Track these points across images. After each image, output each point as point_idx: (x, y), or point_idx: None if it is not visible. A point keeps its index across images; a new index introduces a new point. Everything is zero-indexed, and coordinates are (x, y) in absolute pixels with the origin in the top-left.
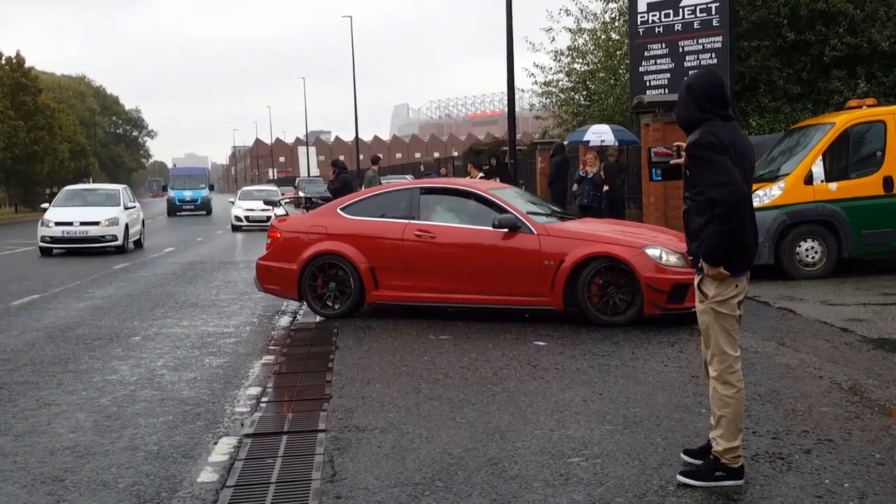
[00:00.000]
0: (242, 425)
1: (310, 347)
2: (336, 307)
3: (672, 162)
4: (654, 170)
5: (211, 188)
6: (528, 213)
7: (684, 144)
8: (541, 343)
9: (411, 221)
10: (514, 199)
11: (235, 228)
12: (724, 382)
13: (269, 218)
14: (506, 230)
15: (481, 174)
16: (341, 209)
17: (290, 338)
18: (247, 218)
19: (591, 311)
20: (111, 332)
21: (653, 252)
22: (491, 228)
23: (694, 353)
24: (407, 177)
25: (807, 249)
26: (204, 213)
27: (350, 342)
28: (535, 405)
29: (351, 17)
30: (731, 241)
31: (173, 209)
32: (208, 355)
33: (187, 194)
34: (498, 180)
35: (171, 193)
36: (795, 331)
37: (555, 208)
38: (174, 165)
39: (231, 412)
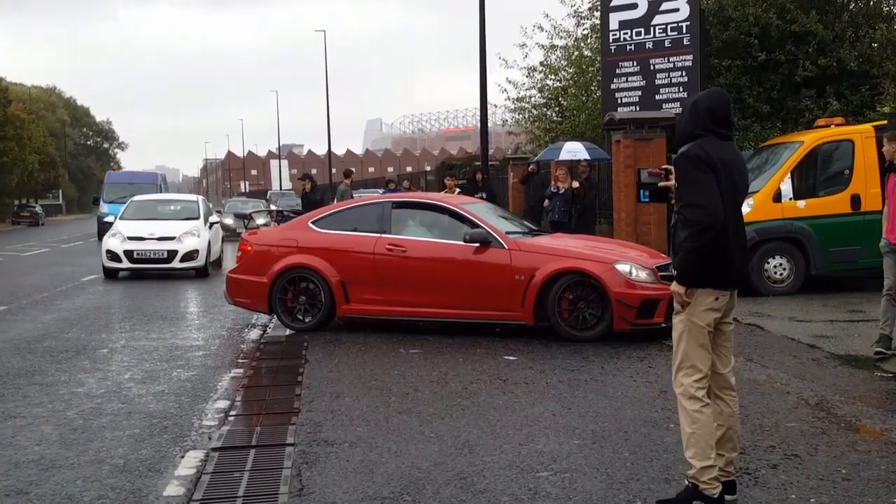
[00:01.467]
0: (210, 439)
1: (279, 361)
2: (306, 321)
3: (660, 185)
4: (642, 191)
5: None
6: (500, 228)
7: (672, 168)
8: (511, 357)
9: (382, 235)
10: (485, 213)
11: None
12: (690, 397)
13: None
14: (477, 245)
15: (458, 189)
16: (312, 223)
17: (259, 351)
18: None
19: (561, 325)
20: (78, 344)
21: (623, 268)
22: (462, 243)
23: (663, 369)
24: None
25: (775, 266)
26: None
27: (320, 356)
28: (505, 419)
29: (324, 31)
30: (703, 262)
31: (106, 231)
32: (176, 368)
33: None
34: (484, 196)
35: (104, 209)
36: (763, 347)
37: (527, 223)
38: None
39: (199, 425)
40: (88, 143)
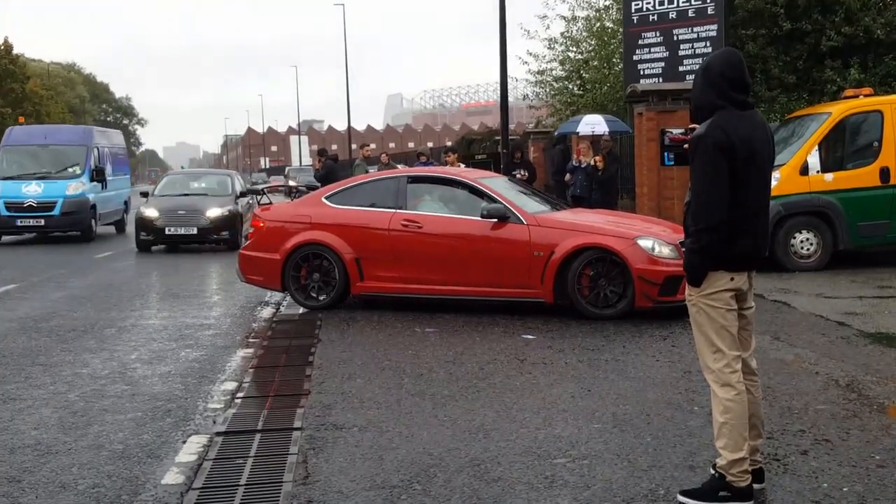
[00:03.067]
0: (214, 423)
1: (291, 340)
2: (320, 298)
3: (686, 147)
4: (666, 154)
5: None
6: (518, 202)
7: (698, 127)
8: (529, 336)
9: (398, 211)
10: (504, 188)
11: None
12: (723, 384)
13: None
14: (495, 220)
15: (461, 165)
16: (326, 198)
17: (271, 330)
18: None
19: (581, 303)
20: (86, 323)
21: (645, 243)
22: (479, 219)
23: (686, 348)
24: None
25: (801, 241)
26: (73, 231)
27: (333, 335)
28: (522, 402)
29: (343, 4)
30: (707, 260)
31: None
32: (185, 348)
33: (31, 190)
34: (525, 174)
35: None
36: (790, 324)
37: (549, 197)
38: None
39: (203, 409)
40: (108, 119)
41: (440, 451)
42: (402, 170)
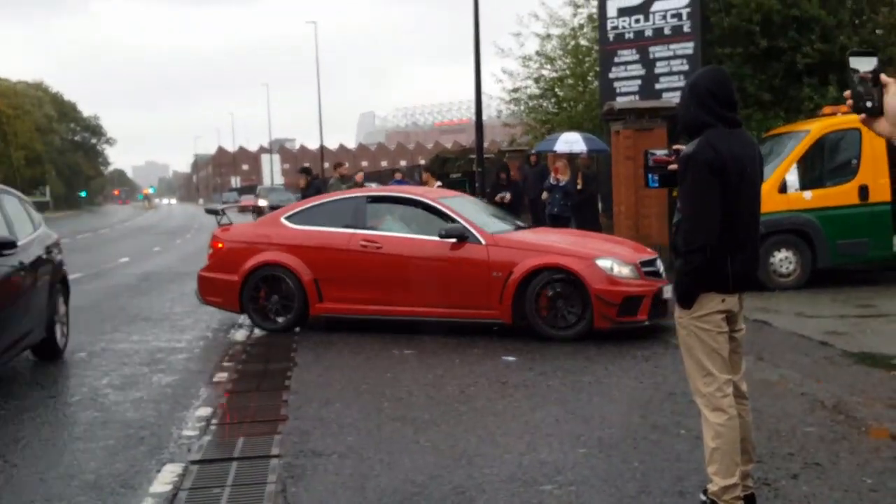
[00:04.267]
0: (189, 450)
1: (266, 364)
2: (279, 320)
3: (671, 168)
4: (650, 175)
5: None
6: (478, 222)
7: (683, 149)
8: (510, 358)
9: (357, 231)
10: (464, 208)
11: None
12: (714, 409)
13: None
14: (454, 240)
15: (438, 183)
16: (286, 218)
17: (245, 353)
18: None
19: (539, 324)
20: None
21: (604, 263)
22: (438, 239)
23: (670, 369)
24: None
25: (781, 260)
26: None
27: (309, 358)
28: (505, 426)
29: (315, 22)
30: (699, 281)
31: None
32: (157, 373)
33: None
34: (508, 197)
35: None
36: (773, 345)
37: (513, 219)
38: None
39: (178, 436)
40: (76, 138)
41: (423, 479)
42: (362, 189)
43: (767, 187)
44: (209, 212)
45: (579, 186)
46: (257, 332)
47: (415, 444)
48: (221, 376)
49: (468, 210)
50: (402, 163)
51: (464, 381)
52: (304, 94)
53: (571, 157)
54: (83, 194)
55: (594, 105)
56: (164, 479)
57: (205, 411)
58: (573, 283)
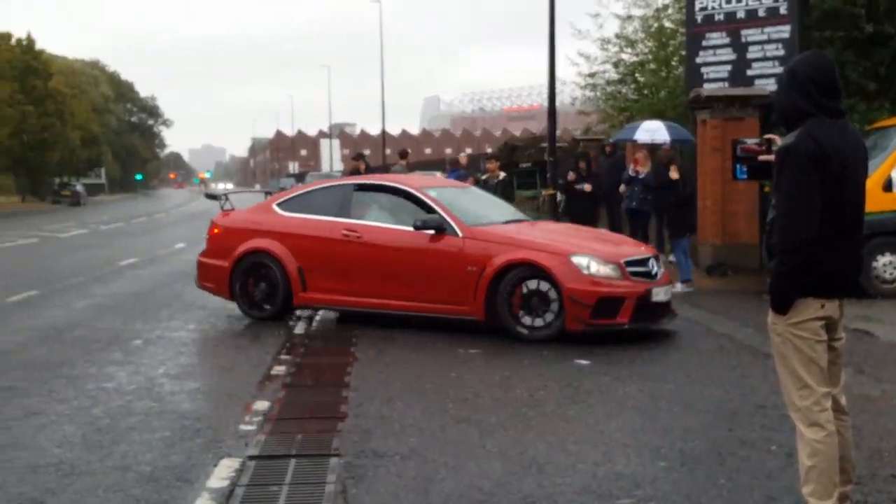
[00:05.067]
0: (247, 445)
1: (325, 358)
2: (266, 308)
3: (761, 158)
4: (739, 166)
5: None
6: (460, 213)
7: (776, 138)
8: (583, 362)
9: (340, 220)
10: (450, 198)
11: None
12: (811, 424)
13: None
14: (431, 232)
15: (438, 174)
16: (277, 205)
17: (304, 346)
18: None
19: (510, 322)
20: (111, 334)
21: (579, 260)
22: (416, 230)
23: (759, 379)
24: (436, 173)
25: (884, 264)
26: None
27: (370, 354)
28: (577, 434)
29: (380, 1)
30: (796, 284)
31: None
32: (214, 363)
33: None
34: (588, 187)
35: None
36: (875, 357)
37: (515, 211)
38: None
39: (235, 430)
40: (132, 119)
41: (490, 486)
42: (351, 177)
43: (871, 185)
44: (209, 197)
45: (675, 178)
46: (316, 325)
47: (481, 448)
48: (279, 369)
49: (454, 200)
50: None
51: (533, 383)
52: (367, 77)
53: (652, 148)
54: (139, 177)
55: (678, 92)
56: (221, 473)
57: (262, 405)
58: (547, 280)
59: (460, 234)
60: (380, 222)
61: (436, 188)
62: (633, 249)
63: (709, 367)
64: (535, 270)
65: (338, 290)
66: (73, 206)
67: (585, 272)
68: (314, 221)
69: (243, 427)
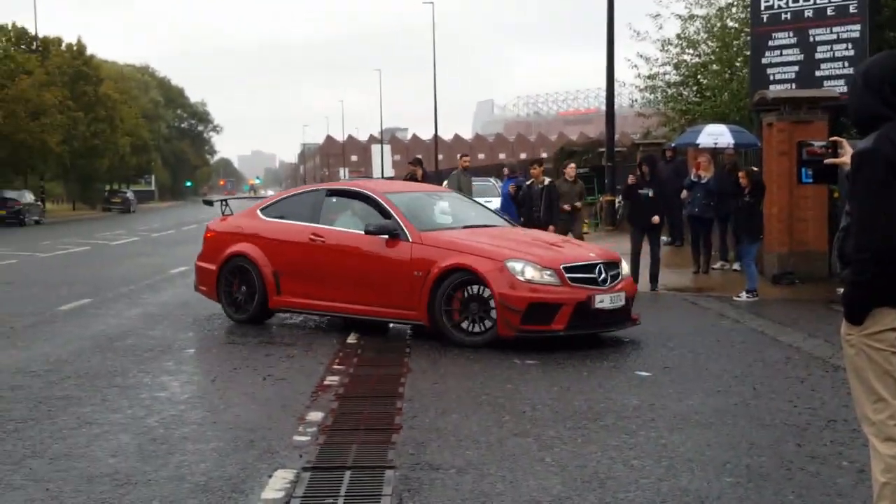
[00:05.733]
0: (301, 456)
1: (379, 369)
2: (248, 309)
3: (827, 161)
4: (804, 169)
5: None
6: (415, 219)
7: (843, 141)
8: (644, 373)
9: (308, 224)
10: (414, 204)
11: None
12: (885, 439)
13: None
14: (386, 237)
15: (548, 179)
16: (260, 210)
17: (357, 357)
18: None
19: (447, 327)
20: (164, 342)
21: (513, 266)
22: (373, 235)
23: (829, 393)
24: (490, 180)
25: None
26: None
27: (423, 364)
28: (640, 448)
29: (433, 2)
30: (872, 294)
31: None
32: (268, 373)
33: None
34: (651, 194)
35: None
36: None
37: (492, 217)
38: None
39: (289, 440)
40: (182, 125)
41: (549, 501)
42: (324, 183)
43: None
44: (206, 203)
45: (744, 184)
46: (369, 335)
47: (539, 462)
48: (332, 380)
49: (417, 206)
50: (522, 155)
51: (592, 396)
52: (418, 81)
53: (715, 153)
54: (189, 184)
55: (743, 94)
56: (276, 485)
57: (316, 416)
58: (485, 286)
59: (410, 239)
60: (343, 227)
61: (402, 193)
62: (580, 255)
63: (776, 380)
64: (471, 276)
65: (307, 294)
66: (123, 213)
67: (520, 277)
68: (287, 226)
69: (297, 438)
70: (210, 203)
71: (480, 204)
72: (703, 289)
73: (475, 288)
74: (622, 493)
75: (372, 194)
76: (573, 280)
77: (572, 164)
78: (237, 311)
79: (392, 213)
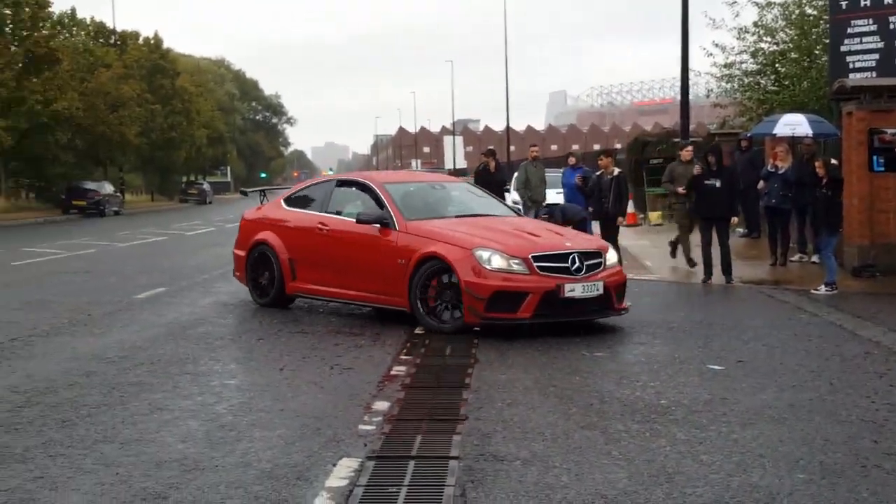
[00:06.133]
0: (366, 445)
1: (445, 359)
2: (268, 295)
3: None
4: (875, 157)
5: None
6: (406, 209)
7: None
8: (716, 367)
9: (317, 213)
10: (411, 193)
11: None
12: None
13: None
14: (378, 226)
15: (617, 169)
16: (284, 200)
17: (425, 347)
18: None
19: (421, 314)
20: (235, 331)
21: (480, 254)
22: (368, 224)
23: None
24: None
25: None
26: None
27: (491, 355)
28: (710, 443)
29: None
30: None
31: None
32: (335, 362)
33: None
34: (718, 184)
35: None
36: None
37: (496, 207)
38: None
39: (354, 429)
40: (257, 117)
41: (615, 495)
42: (338, 174)
43: None
44: (242, 193)
45: (821, 174)
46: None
47: (606, 455)
48: (399, 370)
49: (413, 196)
50: (596, 146)
51: (662, 389)
52: (491, 72)
53: (793, 143)
54: (263, 175)
55: (822, 83)
56: (340, 473)
57: (382, 405)
58: (453, 273)
59: (397, 228)
60: (344, 216)
61: (403, 184)
62: (554, 244)
63: (853, 375)
64: (443, 264)
65: (316, 281)
66: (199, 204)
67: (486, 266)
68: (301, 215)
69: (363, 427)
70: (245, 193)
71: (491, 195)
72: (781, 281)
73: (447, 276)
74: (690, 488)
75: (371, 184)
76: (542, 269)
77: (689, 147)
78: (261, 296)
79: (385, 202)
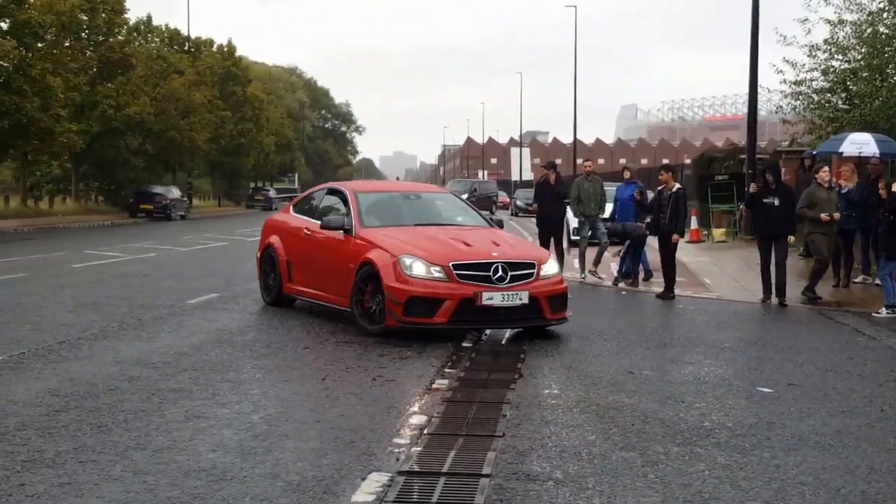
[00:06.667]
0: (398, 460)
1: (490, 373)
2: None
3: None
4: None
5: None
6: (367, 217)
7: None
8: (766, 390)
9: (307, 219)
10: (380, 202)
11: None
12: None
13: None
14: (341, 231)
15: (677, 185)
16: (293, 206)
17: (470, 360)
18: None
19: (356, 315)
20: (281, 339)
21: (404, 261)
22: (335, 230)
23: None
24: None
25: None
26: None
27: (535, 370)
28: (750, 468)
29: (575, 6)
30: None
31: None
32: (378, 374)
33: None
34: (776, 202)
35: None
36: None
37: (470, 217)
38: None
39: (388, 443)
40: (326, 125)
41: None
42: (328, 183)
43: None
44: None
45: (884, 195)
46: (485, 337)
47: (641, 478)
48: (441, 383)
49: (383, 204)
50: (665, 160)
51: (707, 411)
52: (561, 84)
53: (860, 162)
54: None
55: (893, 102)
56: (368, 488)
57: (419, 419)
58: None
59: (353, 234)
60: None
61: (374, 193)
62: (480, 253)
63: None
64: (373, 269)
65: (304, 283)
66: (265, 210)
67: (407, 272)
68: (298, 220)
69: (397, 441)
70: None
71: (472, 207)
72: (842, 303)
73: (376, 281)
74: None
75: (346, 192)
76: (462, 277)
77: (825, 168)
78: (267, 295)
79: (351, 209)
